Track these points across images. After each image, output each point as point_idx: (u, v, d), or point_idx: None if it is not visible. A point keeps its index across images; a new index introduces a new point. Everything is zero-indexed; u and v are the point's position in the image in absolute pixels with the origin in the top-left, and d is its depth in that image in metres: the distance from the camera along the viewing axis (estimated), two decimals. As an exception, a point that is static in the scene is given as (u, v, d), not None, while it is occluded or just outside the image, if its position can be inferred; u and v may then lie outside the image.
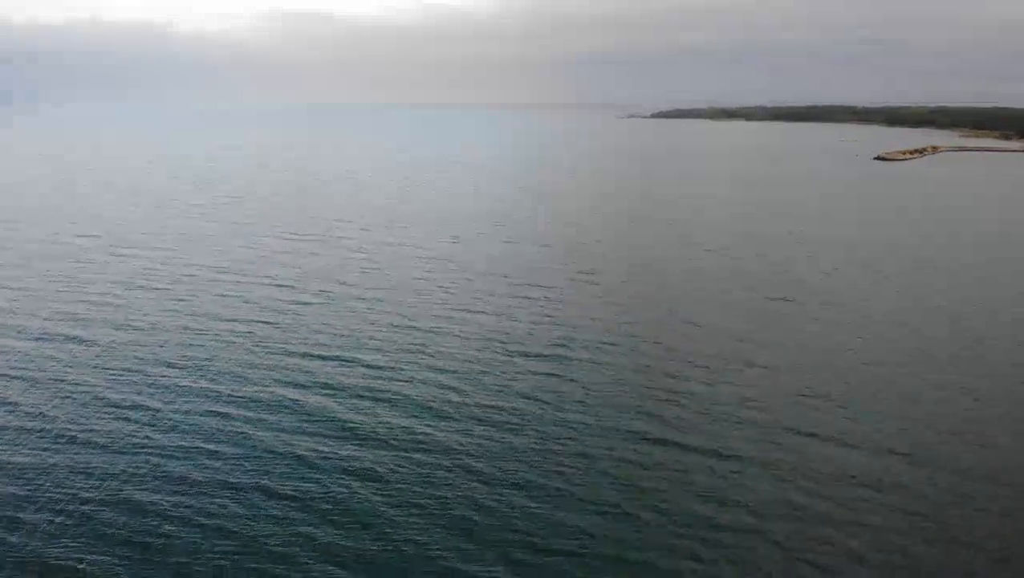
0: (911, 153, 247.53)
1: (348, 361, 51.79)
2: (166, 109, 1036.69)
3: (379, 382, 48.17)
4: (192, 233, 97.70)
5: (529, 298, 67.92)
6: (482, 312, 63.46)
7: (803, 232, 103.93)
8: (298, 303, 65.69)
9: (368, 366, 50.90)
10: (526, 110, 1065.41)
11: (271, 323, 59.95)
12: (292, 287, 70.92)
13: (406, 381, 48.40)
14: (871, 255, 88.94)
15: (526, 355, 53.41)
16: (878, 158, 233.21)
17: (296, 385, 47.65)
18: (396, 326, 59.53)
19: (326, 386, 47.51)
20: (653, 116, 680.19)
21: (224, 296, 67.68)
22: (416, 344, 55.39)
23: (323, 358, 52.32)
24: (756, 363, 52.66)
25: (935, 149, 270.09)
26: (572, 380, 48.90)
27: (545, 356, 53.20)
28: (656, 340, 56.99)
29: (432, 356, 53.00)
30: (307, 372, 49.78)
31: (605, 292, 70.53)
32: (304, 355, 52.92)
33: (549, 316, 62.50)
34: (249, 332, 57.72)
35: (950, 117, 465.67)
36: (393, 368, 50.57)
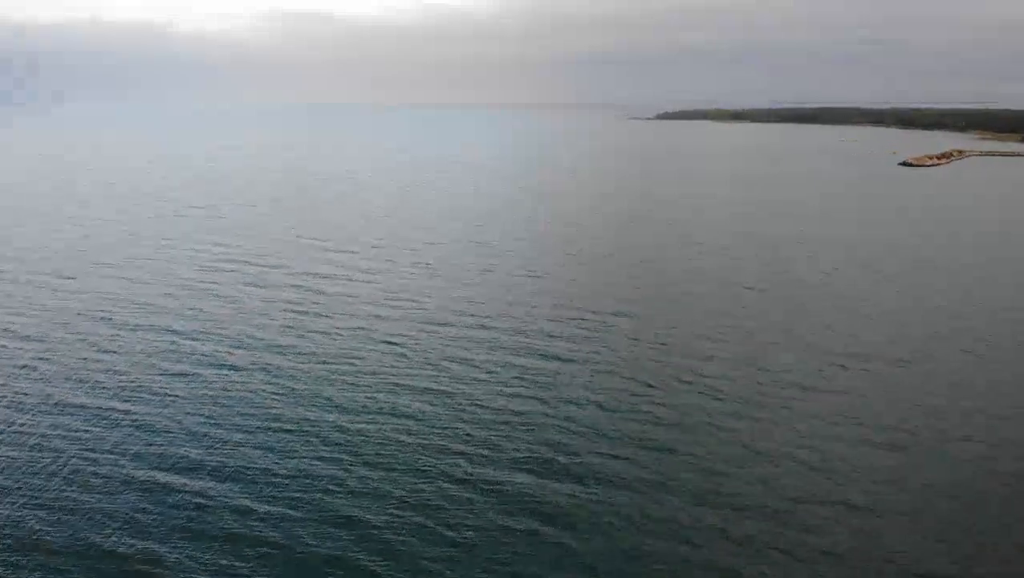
0: (938, 158, 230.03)
1: (223, 473, 34.43)
2: (166, 109, 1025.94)
3: (258, 527, 30.80)
4: (122, 256, 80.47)
5: (512, 363, 50.41)
6: (443, 390, 45.68)
7: (845, 240, 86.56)
8: (200, 362, 48.49)
9: (252, 494, 33.40)
10: (526, 110, 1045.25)
11: (139, 397, 42.70)
12: (197, 339, 53.44)
13: (300, 529, 30.97)
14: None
15: (496, 465, 36.22)
16: (904, 164, 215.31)
17: (142, 516, 30.41)
18: (317, 407, 42.14)
19: (185, 531, 30.11)
20: (657, 117, 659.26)
21: (103, 353, 50.45)
22: (336, 449, 37.83)
23: (187, 470, 34.89)
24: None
25: (961, 153, 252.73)
26: (553, 508, 31.72)
27: (523, 468, 35.97)
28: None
29: (352, 473, 35.51)
30: (166, 488, 32.54)
31: (603, 347, 53.06)
32: (160, 460, 35.56)
33: (533, 390, 45.17)
34: (102, 416, 40.50)
35: (964, 119, 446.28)
36: (293, 500, 33.05)
